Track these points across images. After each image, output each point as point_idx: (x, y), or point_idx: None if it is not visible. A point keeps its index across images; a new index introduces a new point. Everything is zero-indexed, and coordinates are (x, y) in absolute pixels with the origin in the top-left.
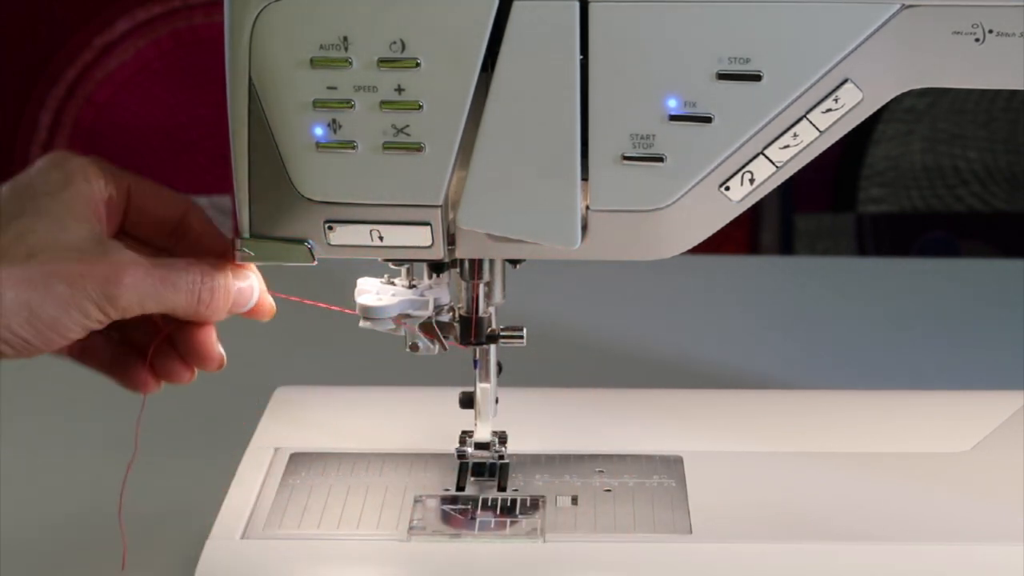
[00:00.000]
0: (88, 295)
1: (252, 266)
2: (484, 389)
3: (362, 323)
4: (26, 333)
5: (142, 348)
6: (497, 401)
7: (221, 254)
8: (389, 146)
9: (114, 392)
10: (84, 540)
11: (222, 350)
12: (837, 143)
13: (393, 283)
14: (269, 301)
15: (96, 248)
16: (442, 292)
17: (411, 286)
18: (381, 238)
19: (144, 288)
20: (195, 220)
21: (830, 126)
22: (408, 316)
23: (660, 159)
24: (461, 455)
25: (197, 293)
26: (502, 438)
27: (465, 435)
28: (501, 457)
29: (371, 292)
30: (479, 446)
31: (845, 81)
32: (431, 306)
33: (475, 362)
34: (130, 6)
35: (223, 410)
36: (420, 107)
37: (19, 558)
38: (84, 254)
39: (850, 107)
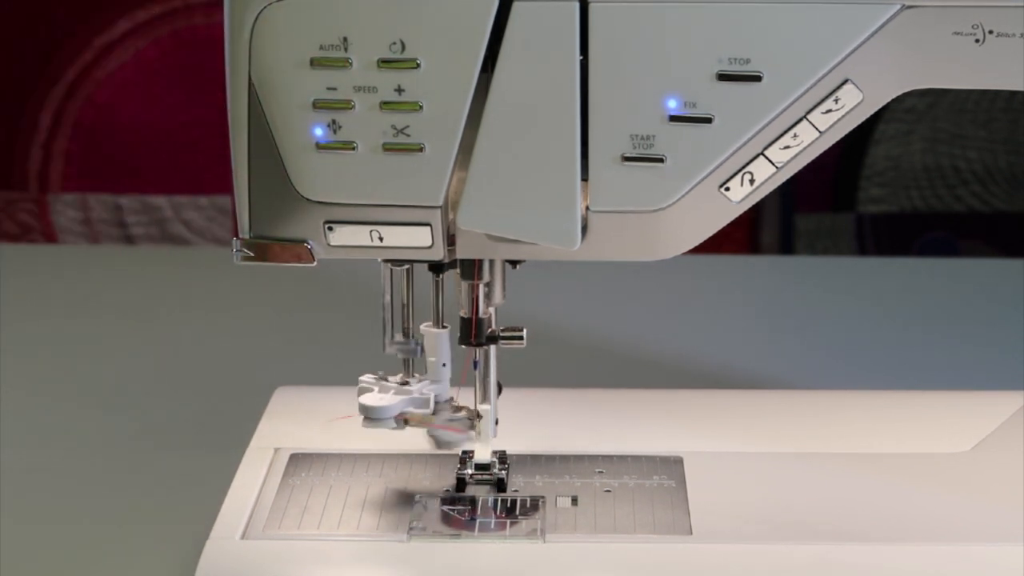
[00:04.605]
0: None
1: None
2: (484, 410)
3: (364, 423)
4: None
5: None
6: (497, 423)
7: None
8: (389, 147)
9: (114, 391)
10: (84, 539)
11: None
12: (837, 143)
13: (387, 380)
14: None
15: None
16: (442, 387)
17: (404, 383)
18: (381, 238)
19: None
20: None
21: (830, 127)
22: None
23: (660, 159)
24: (460, 479)
25: None
26: (502, 458)
27: (465, 455)
28: (501, 480)
29: (373, 390)
30: (479, 467)
31: (845, 81)
32: (431, 404)
33: (475, 363)
34: (130, 6)
35: (223, 410)
36: (420, 107)
37: (18, 557)
38: None
39: (850, 108)
